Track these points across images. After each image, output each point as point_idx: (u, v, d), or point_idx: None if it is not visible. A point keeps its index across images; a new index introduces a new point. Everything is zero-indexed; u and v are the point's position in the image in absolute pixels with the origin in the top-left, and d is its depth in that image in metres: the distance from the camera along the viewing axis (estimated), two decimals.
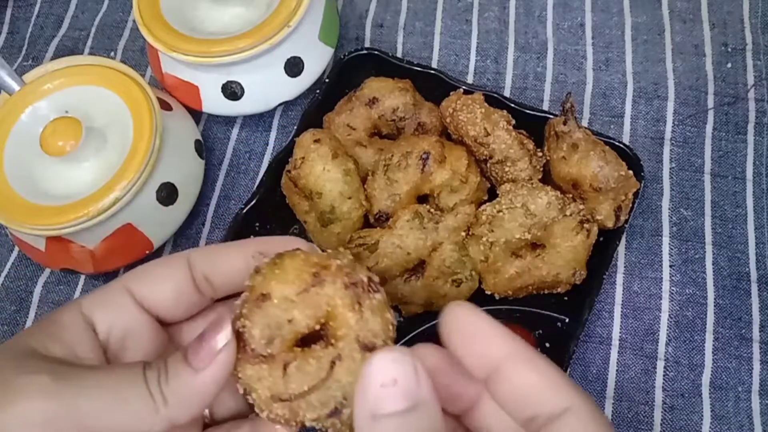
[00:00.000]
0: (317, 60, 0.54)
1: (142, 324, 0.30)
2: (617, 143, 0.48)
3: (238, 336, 0.27)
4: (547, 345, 0.46)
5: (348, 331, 0.26)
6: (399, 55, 0.59)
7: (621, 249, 0.50)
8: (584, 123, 0.55)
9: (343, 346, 0.26)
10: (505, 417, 0.26)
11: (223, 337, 0.26)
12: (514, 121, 0.47)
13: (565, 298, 0.47)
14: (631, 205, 0.46)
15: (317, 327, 0.27)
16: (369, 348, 0.26)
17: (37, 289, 0.52)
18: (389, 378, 0.23)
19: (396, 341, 0.27)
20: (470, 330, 0.25)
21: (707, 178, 0.52)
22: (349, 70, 0.54)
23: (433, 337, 0.28)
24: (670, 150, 0.53)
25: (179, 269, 0.30)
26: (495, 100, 0.49)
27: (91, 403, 0.25)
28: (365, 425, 0.24)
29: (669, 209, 0.51)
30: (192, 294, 0.30)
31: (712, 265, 0.49)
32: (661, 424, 0.45)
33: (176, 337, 0.32)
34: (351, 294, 0.26)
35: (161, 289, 0.30)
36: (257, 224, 0.50)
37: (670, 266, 0.49)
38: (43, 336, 0.27)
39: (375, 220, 0.48)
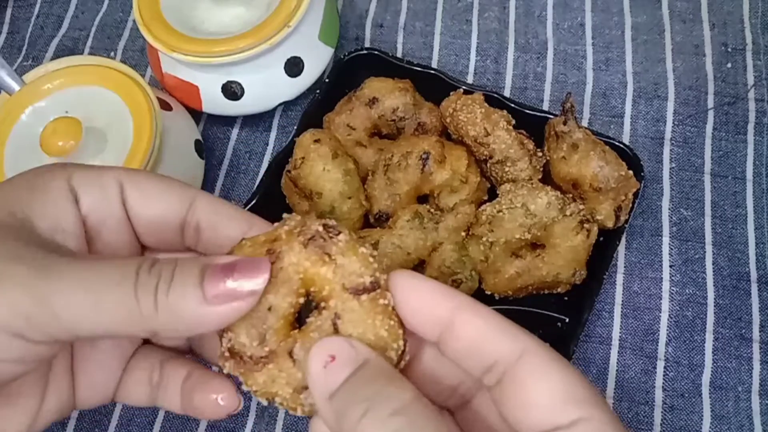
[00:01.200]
0: (317, 60, 0.54)
1: (120, 225, 0.28)
2: (617, 143, 0.48)
3: (232, 353, 0.25)
4: (547, 345, 0.46)
5: (331, 285, 0.25)
6: (399, 55, 0.59)
7: (621, 249, 0.50)
8: (584, 123, 0.55)
9: (334, 302, 0.25)
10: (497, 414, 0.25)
11: (255, 284, 0.24)
12: (514, 121, 0.47)
13: (565, 298, 0.47)
14: (631, 205, 0.46)
15: (302, 300, 0.25)
16: (359, 290, 0.24)
17: None
18: (326, 358, 0.23)
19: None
20: (419, 292, 0.25)
21: (707, 178, 0.52)
22: (349, 70, 0.54)
23: None
24: (670, 150, 0.53)
25: (179, 202, 0.28)
26: (495, 100, 0.49)
27: (64, 300, 0.23)
28: (326, 408, 0.23)
29: (669, 209, 0.51)
30: (176, 231, 0.29)
31: (712, 265, 0.49)
32: (661, 424, 0.45)
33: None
34: (314, 249, 0.25)
35: (151, 208, 0.28)
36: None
37: (670, 266, 0.49)
38: (32, 205, 0.26)
39: (375, 220, 0.48)
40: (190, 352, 0.32)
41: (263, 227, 0.28)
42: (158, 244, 0.29)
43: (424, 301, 0.25)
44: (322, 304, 0.25)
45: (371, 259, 0.25)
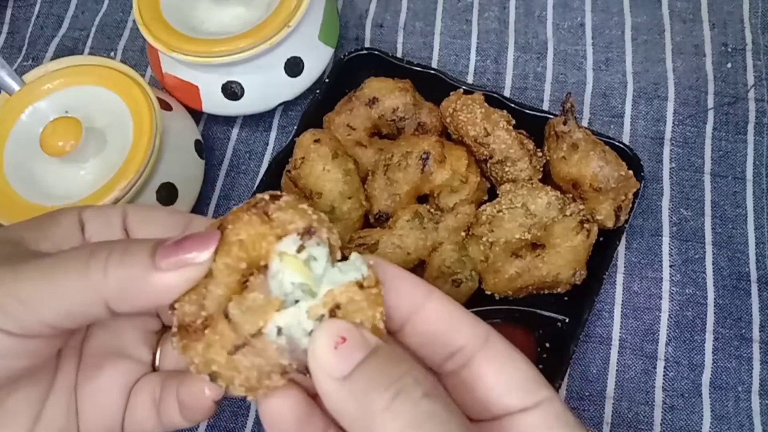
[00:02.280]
0: (317, 60, 0.54)
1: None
2: (617, 143, 0.48)
3: (180, 327, 0.25)
4: (547, 345, 0.46)
5: (267, 240, 0.25)
6: (399, 55, 0.59)
7: (621, 249, 0.50)
8: (584, 123, 0.55)
9: (273, 256, 0.24)
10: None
11: (203, 255, 0.24)
12: (514, 121, 0.47)
13: (565, 298, 0.47)
14: (631, 205, 0.46)
15: (243, 265, 0.25)
16: (297, 234, 0.24)
17: None
18: (337, 338, 0.23)
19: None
20: (390, 277, 0.26)
21: (707, 178, 0.52)
22: (349, 70, 0.54)
23: None
24: (670, 150, 0.53)
25: (175, 224, 0.29)
26: (495, 100, 0.49)
27: (27, 287, 0.24)
28: (336, 389, 0.23)
29: (669, 209, 0.51)
30: None
31: (712, 265, 0.49)
32: (661, 424, 0.45)
33: None
34: (254, 212, 0.25)
35: (150, 229, 0.29)
36: None
37: (670, 266, 0.49)
38: (37, 230, 0.27)
39: (375, 220, 0.48)
40: None
41: None
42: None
43: (393, 287, 0.26)
44: (262, 263, 0.25)
45: (309, 211, 0.25)
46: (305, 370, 0.24)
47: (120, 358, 0.31)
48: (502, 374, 0.25)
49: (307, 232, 0.25)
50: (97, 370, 0.30)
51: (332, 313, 0.24)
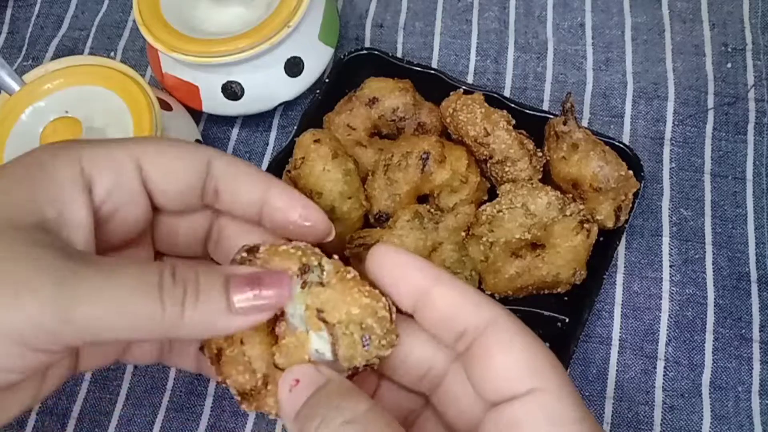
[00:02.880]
0: (317, 60, 0.54)
1: (138, 201, 0.28)
2: (617, 143, 0.48)
3: (241, 396, 0.27)
4: (547, 345, 0.46)
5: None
6: (399, 55, 0.59)
7: (621, 249, 0.50)
8: (584, 123, 0.55)
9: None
10: (470, 394, 0.27)
11: (278, 295, 0.25)
12: (514, 121, 0.47)
13: (565, 298, 0.47)
14: (631, 205, 0.46)
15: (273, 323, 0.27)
16: (296, 276, 0.26)
17: None
18: (291, 382, 0.25)
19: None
20: (398, 263, 0.27)
21: (707, 178, 0.52)
22: (349, 70, 0.54)
23: None
24: (670, 150, 0.53)
25: (197, 166, 0.28)
26: (495, 100, 0.49)
27: (86, 312, 0.23)
28: (292, 428, 0.25)
29: (669, 209, 0.51)
30: (197, 196, 0.29)
31: (712, 265, 0.49)
32: (661, 424, 0.45)
33: (157, 220, 0.30)
34: None
35: (170, 179, 0.28)
36: None
37: (670, 266, 0.49)
38: (35, 195, 0.25)
39: (375, 220, 0.48)
40: None
41: (281, 189, 0.29)
42: (178, 208, 0.30)
43: (401, 272, 0.26)
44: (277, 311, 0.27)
45: (292, 250, 0.27)
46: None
47: None
48: (495, 360, 0.25)
49: (304, 271, 0.26)
50: None
51: (322, 319, 0.25)
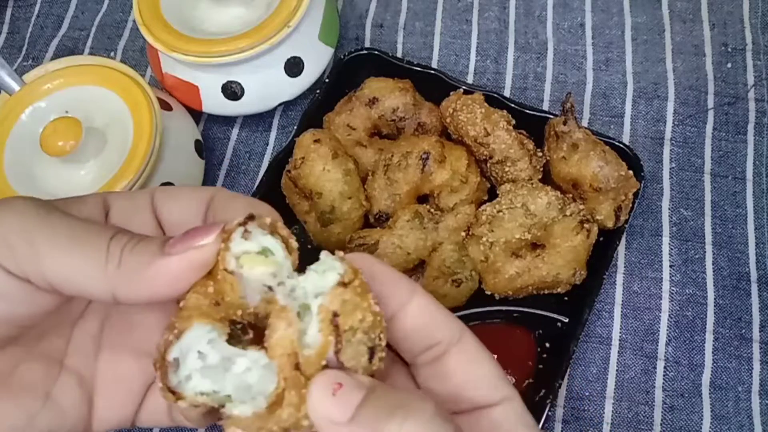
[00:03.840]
0: (317, 60, 0.54)
1: (149, 230, 0.30)
2: (617, 143, 0.48)
3: None
4: (547, 345, 0.46)
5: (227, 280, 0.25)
6: (399, 55, 0.59)
7: (621, 249, 0.50)
8: (584, 123, 0.55)
9: (235, 273, 0.25)
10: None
11: (208, 238, 0.26)
12: (514, 121, 0.47)
13: (565, 298, 0.47)
14: (631, 205, 0.46)
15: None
16: (239, 225, 0.25)
17: None
18: (334, 386, 0.23)
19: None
20: (382, 273, 0.27)
21: (707, 178, 0.52)
22: (349, 70, 0.54)
23: None
24: (670, 150, 0.53)
25: (199, 201, 0.30)
26: (495, 100, 0.49)
27: (47, 240, 0.25)
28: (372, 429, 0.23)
29: (669, 209, 0.51)
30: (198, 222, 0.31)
31: (712, 265, 0.49)
32: (661, 424, 0.45)
33: None
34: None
35: (180, 211, 0.30)
36: None
37: (670, 266, 0.49)
38: (63, 206, 0.28)
39: (375, 220, 0.48)
40: None
41: (269, 211, 0.29)
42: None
43: (385, 283, 0.27)
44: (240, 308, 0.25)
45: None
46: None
47: (142, 354, 0.31)
48: (471, 371, 0.27)
49: (247, 220, 0.25)
50: (120, 363, 0.31)
51: (333, 322, 0.23)
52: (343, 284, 0.24)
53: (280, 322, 0.24)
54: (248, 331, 0.25)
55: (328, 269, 0.24)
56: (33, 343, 0.29)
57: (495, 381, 0.27)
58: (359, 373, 0.24)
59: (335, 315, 0.23)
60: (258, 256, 0.25)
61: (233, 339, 0.25)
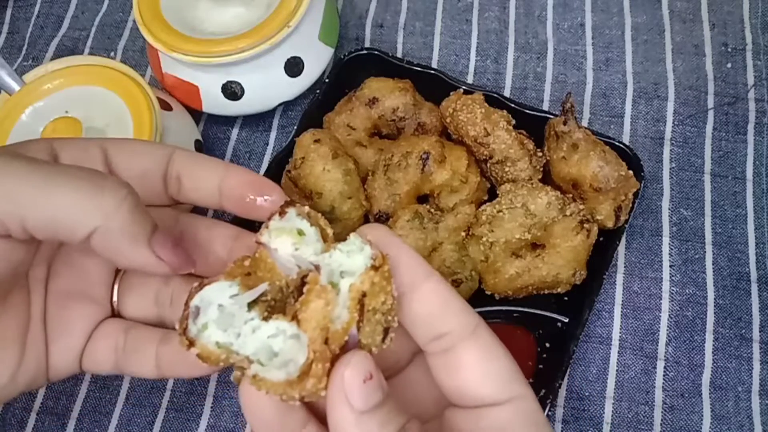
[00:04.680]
0: (317, 60, 0.54)
1: None
2: (617, 143, 0.48)
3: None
4: (547, 345, 0.46)
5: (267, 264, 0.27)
6: (399, 55, 0.59)
7: (621, 249, 0.50)
8: (584, 123, 0.55)
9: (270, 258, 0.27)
10: (431, 387, 0.28)
11: (186, 269, 0.27)
12: (514, 121, 0.47)
13: (565, 298, 0.47)
14: (631, 205, 0.46)
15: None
16: (277, 214, 0.27)
17: None
18: (367, 374, 0.24)
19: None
20: (396, 246, 0.27)
21: (707, 178, 0.52)
22: (349, 70, 0.54)
23: None
24: (670, 150, 0.53)
25: (159, 156, 0.30)
26: (495, 100, 0.49)
27: (22, 180, 0.25)
28: (346, 417, 0.24)
29: (669, 209, 0.51)
30: (158, 184, 0.31)
31: (712, 265, 0.49)
32: (661, 424, 0.45)
33: None
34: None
35: (133, 166, 0.30)
36: (257, 224, 0.50)
37: (670, 266, 0.49)
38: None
39: (375, 220, 0.48)
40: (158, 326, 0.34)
41: (239, 173, 0.31)
42: (143, 198, 0.31)
43: (397, 259, 0.27)
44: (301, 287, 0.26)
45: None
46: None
47: (84, 299, 0.32)
48: (481, 366, 0.26)
49: (286, 205, 0.27)
50: (63, 309, 0.31)
51: (360, 302, 0.25)
52: (374, 268, 0.25)
53: (318, 299, 0.25)
54: (272, 301, 0.27)
55: (355, 250, 0.26)
56: (3, 298, 0.29)
57: (507, 378, 0.26)
58: (372, 351, 0.25)
59: (363, 295, 0.25)
60: (288, 230, 0.27)
61: (256, 305, 0.26)
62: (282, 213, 0.27)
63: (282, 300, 0.26)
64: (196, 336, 0.25)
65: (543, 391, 0.43)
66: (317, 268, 0.26)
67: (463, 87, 0.50)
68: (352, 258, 0.26)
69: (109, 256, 0.27)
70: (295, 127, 0.52)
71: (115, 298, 0.33)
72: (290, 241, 0.26)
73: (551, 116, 0.48)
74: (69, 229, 0.26)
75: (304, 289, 0.25)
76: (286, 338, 0.25)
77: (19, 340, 0.29)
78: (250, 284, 0.26)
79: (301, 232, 0.26)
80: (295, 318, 0.25)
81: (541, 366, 0.45)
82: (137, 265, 0.27)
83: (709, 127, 0.54)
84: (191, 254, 0.29)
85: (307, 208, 0.27)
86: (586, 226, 0.44)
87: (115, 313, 0.33)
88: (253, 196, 0.31)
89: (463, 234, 0.45)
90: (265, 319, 0.25)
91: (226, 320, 0.25)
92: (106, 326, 0.32)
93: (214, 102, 0.53)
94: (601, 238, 0.46)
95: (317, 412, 0.27)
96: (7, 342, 0.29)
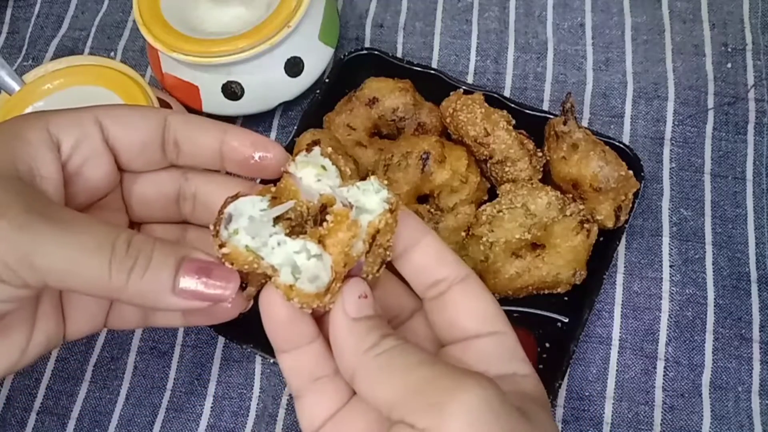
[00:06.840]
0: (317, 60, 0.54)
1: (102, 158, 0.30)
2: (617, 143, 0.48)
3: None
4: (547, 345, 0.46)
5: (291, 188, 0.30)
6: (399, 55, 0.59)
7: (621, 249, 0.50)
8: (584, 123, 0.55)
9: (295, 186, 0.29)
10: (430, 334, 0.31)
11: (222, 292, 0.27)
12: (514, 121, 0.47)
13: (565, 298, 0.47)
14: (631, 205, 0.46)
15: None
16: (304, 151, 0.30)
17: None
18: (363, 292, 0.28)
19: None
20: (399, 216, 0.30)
21: (707, 178, 0.52)
22: (349, 70, 0.54)
23: None
24: (670, 150, 0.53)
25: (154, 123, 0.30)
26: (495, 100, 0.49)
27: (43, 259, 0.25)
28: (343, 320, 0.28)
29: (669, 209, 0.51)
30: (157, 150, 0.31)
31: (712, 265, 0.49)
32: (661, 424, 0.45)
33: (126, 183, 0.32)
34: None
35: (130, 134, 0.30)
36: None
37: (670, 266, 0.49)
38: (9, 154, 0.27)
39: None
40: None
41: (240, 135, 0.31)
42: (142, 167, 0.32)
43: (408, 225, 0.30)
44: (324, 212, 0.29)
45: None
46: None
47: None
48: (468, 303, 0.29)
49: (313, 144, 0.30)
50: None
51: (372, 236, 0.28)
52: (390, 210, 0.28)
53: (347, 231, 0.28)
54: (293, 222, 0.30)
55: (371, 190, 0.29)
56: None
57: (490, 315, 0.29)
58: (369, 277, 0.29)
59: (377, 231, 0.28)
60: (313, 164, 0.30)
61: (279, 222, 0.29)
62: (309, 149, 0.30)
63: (300, 223, 0.29)
64: (227, 240, 0.28)
65: None
66: (350, 205, 0.29)
67: (463, 87, 0.50)
68: (366, 196, 0.29)
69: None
70: (295, 127, 0.52)
71: None
72: (314, 173, 0.29)
73: (551, 116, 0.48)
74: (85, 295, 0.27)
75: (328, 218, 0.28)
76: (310, 256, 0.28)
77: (28, 321, 0.29)
78: (277, 205, 0.29)
79: (324, 167, 0.30)
80: (321, 241, 0.28)
81: (541, 366, 0.45)
82: (171, 306, 0.27)
83: (709, 127, 0.54)
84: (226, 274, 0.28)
85: (330, 149, 0.30)
86: (586, 226, 0.44)
87: None
88: (257, 156, 0.31)
89: (463, 234, 0.45)
90: (288, 235, 0.28)
91: (255, 229, 0.28)
92: None
93: (214, 102, 0.53)
94: (601, 238, 0.46)
95: (326, 334, 0.29)
96: (16, 325, 0.29)
